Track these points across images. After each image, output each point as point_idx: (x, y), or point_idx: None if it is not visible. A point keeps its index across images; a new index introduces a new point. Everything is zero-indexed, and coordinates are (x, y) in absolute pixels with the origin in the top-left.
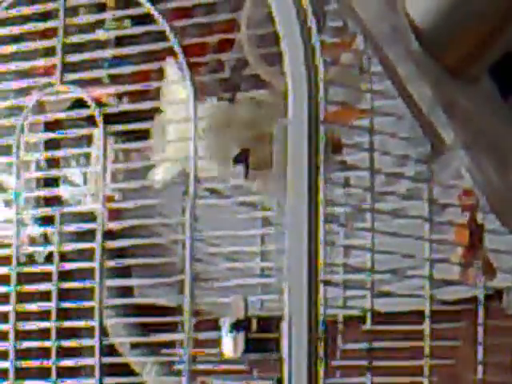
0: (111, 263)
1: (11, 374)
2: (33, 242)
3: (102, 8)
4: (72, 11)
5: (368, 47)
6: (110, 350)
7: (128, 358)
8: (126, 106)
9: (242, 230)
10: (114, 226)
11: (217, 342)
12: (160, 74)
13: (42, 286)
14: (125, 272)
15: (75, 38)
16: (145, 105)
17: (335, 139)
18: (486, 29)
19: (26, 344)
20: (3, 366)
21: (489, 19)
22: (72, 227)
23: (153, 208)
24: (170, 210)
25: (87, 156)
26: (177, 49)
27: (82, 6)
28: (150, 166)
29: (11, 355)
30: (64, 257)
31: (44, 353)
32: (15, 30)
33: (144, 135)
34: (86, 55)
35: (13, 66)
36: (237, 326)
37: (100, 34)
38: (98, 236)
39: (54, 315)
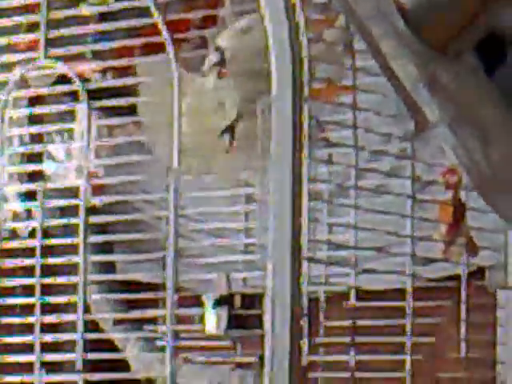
0: (94, 239)
1: None
2: (16, 217)
3: None
4: None
5: (352, 24)
6: (92, 326)
7: (111, 333)
8: (110, 81)
9: (225, 206)
10: (97, 201)
11: (200, 318)
12: (144, 49)
13: (26, 261)
14: (107, 248)
15: (59, 14)
16: (128, 80)
17: None
18: (468, 7)
19: (9, 320)
20: None
21: None
22: (55, 203)
23: (136, 184)
24: (153, 186)
25: (71, 132)
26: (160, 25)
27: None
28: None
29: None
30: (47, 232)
31: (27, 328)
32: None
33: (127, 111)
34: (70, 30)
35: None
36: (220, 303)
37: (83, 10)
38: (82, 212)
39: (37, 291)
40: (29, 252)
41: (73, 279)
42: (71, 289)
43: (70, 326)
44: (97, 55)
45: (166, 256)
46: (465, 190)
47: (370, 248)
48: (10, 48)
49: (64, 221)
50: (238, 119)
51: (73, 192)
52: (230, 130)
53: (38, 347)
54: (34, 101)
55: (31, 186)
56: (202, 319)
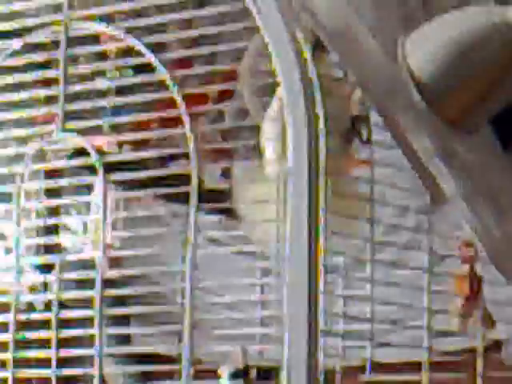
0: (110, 311)
1: None
2: (32, 289)
3: (103, 57)
4: (73, 60)
5: (367, 98)
6: None
7: None
8: (127, 154)
9: (241, 279)
10: (113, 274)
11: None
12: (161, 122)
13: (42, 334)
14: (124, 320)
15: (76, 87)
16: (145, 154)
17: None
18: (486, 81)
19: None
20: None
21: (489, 72)
22: (72, 275)
23: (152, 257)
24: (169, 258)
25: (87, 204)
26: (177, 98)
27: (83, 55)
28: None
29: None
30: (63, 304)
31: None
32: (17, 78)
33: (144, 184)
34: (87, 104)
35: (14, 114)
36: (236, 375)
37: (101, 83)
38: (98, 284)
39: (53, 363)
40: (45, 324)
41: (89, 351)
42: (88, 361)
43: None
44: (114, 128)
45: (182, 328)
46: (481, 263)
47: (386, 321)
48: (27, 121)
49: (80, 293)
50: None
51: (89, 264)
52: None
53: None
54: (51, 173)
55: (48, 259)
56: None
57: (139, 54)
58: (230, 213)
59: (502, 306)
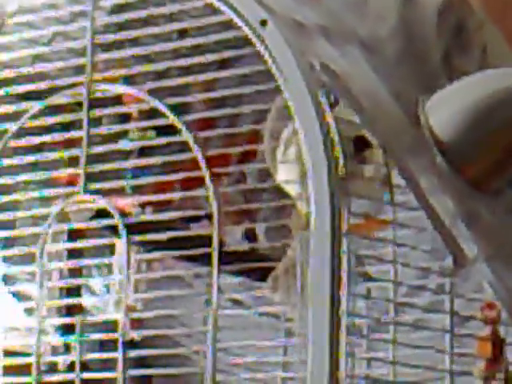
0: (133, 373)
1: None
2: (55, 350)
3: (126, 118)
4: (95, 121)
5: (390, 159)
6: None
7: None
8: (149, 215)
9: (264, 340)
10: (135, 335)
11: None
12: (184, 184)
13: None
14: (146, 382)
15: (99, 148)
16: (167, 215)
17: None
18: (508, 143)
19: None
20: None
21: (509, 134)
22: (94, 336)
23: (174, 318)
24: (191, 319)
25: (109, 266)
26: (200, 160)
27: (106, 116)
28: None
29: None
30: (86, 366)
31: None
32: (39, 139)
33: (166, 245)
34: (109, 165)
35: (37, 175)
36: None
37: (123, 145)
38: (120, 345)
39: None
40: None
41: None
42: None
43: None
44: (136, 189)
45: None
46: (504, 325)
47: (408, 383)
48: (50, 182)
49: (103, 354)
50: None
51: (111, 326)
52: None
53: None
54: (73, 235)
55: (70, 320)
56: None
57: (162, 115)
58: (252, 274)
59: None
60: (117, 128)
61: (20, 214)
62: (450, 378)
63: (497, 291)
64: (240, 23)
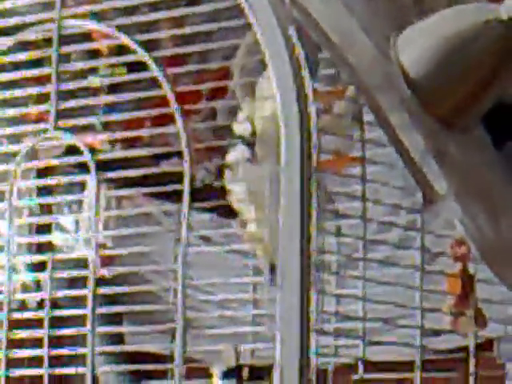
0: (103, 310)
1: None
2: (25, 288)
3: (95, 55)
4: (65, 58)
5: (360, 95)
6: None
7: None
8: (119, 152)
9: (233, 277)
10: (105, 272)
11: None
12: (154, 120)
13: (34, 333)
14: (116, 319)
15: (68, 85)
16: (137, 152)
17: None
18: (478, 79)
19: None
20: None
21: (480, 69)
22: (64, 274)
23: (145, 255)
24: (161, 256)
25: (80, 203)
26: (170, 96)
27: (75, 52)
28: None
29: None
30: (56, 303)
31: None
32: (8, 76)
33: (136, 182)
34: (80, 102)
35: (6, 112)
36: (228, 374)
37: (93, 81)
38: (90, 283)
39: (45, 362)
40: (37, 323)
41: (81, 350)
42: (79, 359)
43: None
44: (106, 126)
45: (174, 327)
46: (473, 262)
47: (378, 319)
48: (19, 119)
49: (73, 292)
50: None
51: (81, 263)
52: None
53: None
54: (43, 172)
55: (40, 257)
56: None
57: (132, 51)
58: (222, 211)
59: (494, 304)
60: (87, 64)
61: None
62: (420, 315)
63: (466, 228)
64: None
